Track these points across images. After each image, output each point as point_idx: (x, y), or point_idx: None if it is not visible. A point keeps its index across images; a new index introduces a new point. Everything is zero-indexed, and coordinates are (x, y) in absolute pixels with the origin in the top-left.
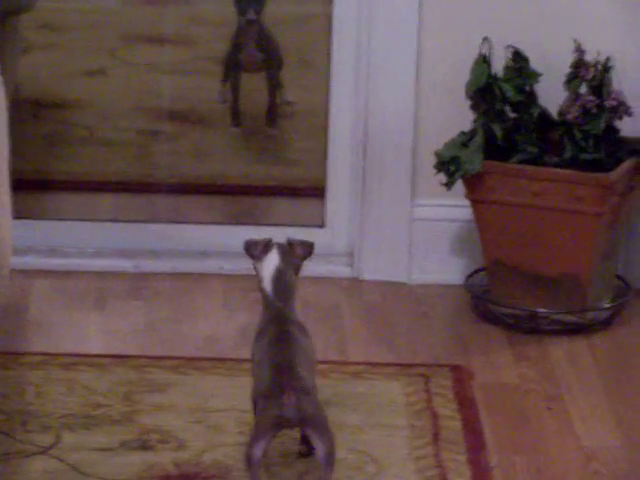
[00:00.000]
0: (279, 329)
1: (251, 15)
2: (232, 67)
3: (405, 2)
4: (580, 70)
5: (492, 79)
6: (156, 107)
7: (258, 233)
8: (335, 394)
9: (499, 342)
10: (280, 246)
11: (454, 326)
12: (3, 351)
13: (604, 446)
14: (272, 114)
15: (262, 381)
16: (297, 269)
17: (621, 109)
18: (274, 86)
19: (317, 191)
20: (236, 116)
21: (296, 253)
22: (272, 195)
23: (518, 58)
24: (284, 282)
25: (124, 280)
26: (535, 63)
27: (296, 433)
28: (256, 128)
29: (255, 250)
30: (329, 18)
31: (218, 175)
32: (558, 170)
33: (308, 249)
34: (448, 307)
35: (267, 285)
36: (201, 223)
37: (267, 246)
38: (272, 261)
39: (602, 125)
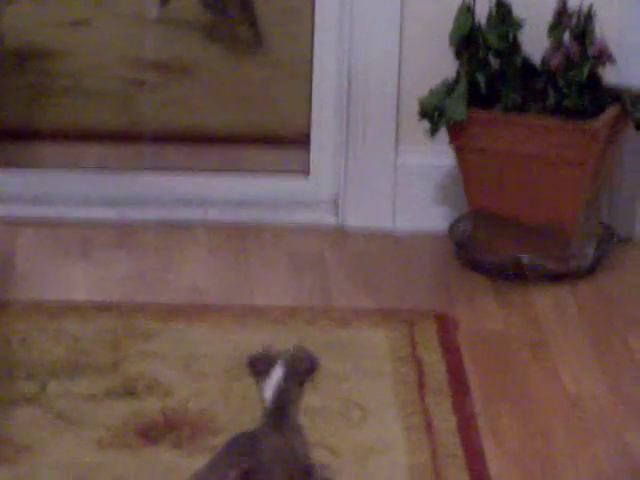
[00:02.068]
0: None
1: None
2: None
3: None
4: (563, 18)
5: (475, 28)
6: (141, 57)
7: (243, 182)
8: (320, 341)
9: (484, 289)
10: (284, 361)
11: (439, 273)
12: None
13: (588, 392)
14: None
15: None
16: (301, 383)
17: (604, 57)
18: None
19: (301, 139)
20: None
21: (301, 368)
22: (257, 144)
23: (501, 7)
24: (287, 398)
25: (109, 229)
26: (518, 11)
27: None
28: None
29: (259, 367)
30: None
31: (203, 124)
32: (541, 117)
33: (313, 365)
34: (433, 254)
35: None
36: (186, 172)
37: (271, 361)
38: (275, 377)
39: (585, 73)
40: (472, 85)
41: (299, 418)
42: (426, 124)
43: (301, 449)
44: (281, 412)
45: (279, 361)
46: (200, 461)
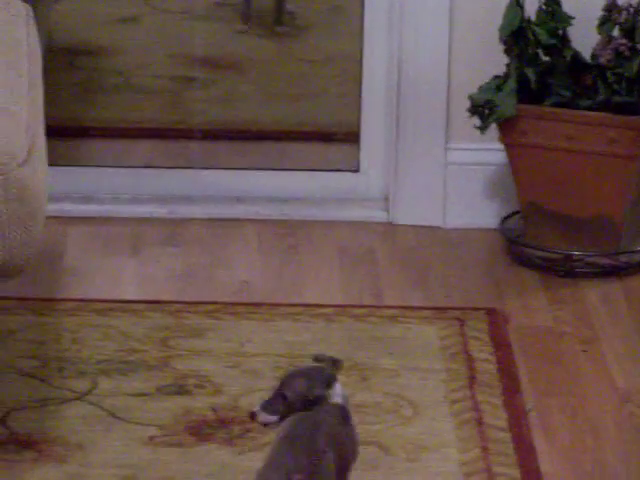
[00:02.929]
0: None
1: None
2: None
3: None
4: (613, 13)
5: (525, 23)
6: (189, 54)
7: (293, 179)
8: (371, 338)
9: (534, 285)
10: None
11: (489, 270)
12: (39, 298)
13: (639, 387)
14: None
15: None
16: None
17: None
18: None
19: (352, 136)
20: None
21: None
22: (307, 140)
23: (551, 1)
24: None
25: (159, 226)
26: (568, 6)
27: None
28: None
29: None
30: None
31: (252, 121)
32: (591, 113)
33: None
34: (483, 251)
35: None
36: (235, 169)
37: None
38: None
39: (635, 68)
40: (522, 81)
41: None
42: (476, 120)
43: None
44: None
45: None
46: (251, 459)
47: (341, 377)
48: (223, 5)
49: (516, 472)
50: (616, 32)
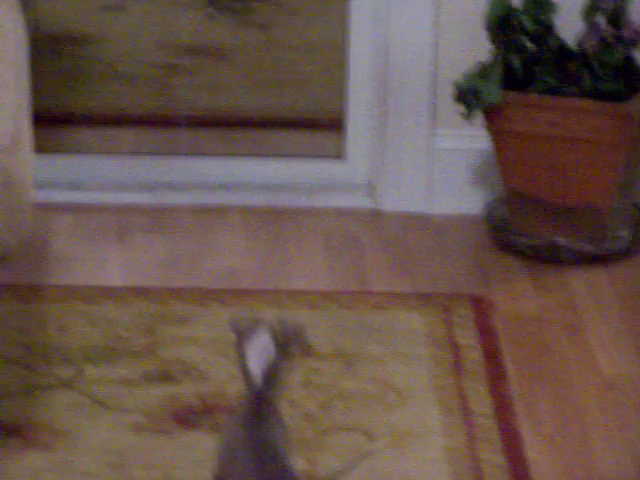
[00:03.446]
0: (254, 416)
1: None
2: None
3: None
4: (598, 1)
5: (510, 11)
6: (175, 41)
7: (278, 166)
8: (356, 325)
9: (519, 272)
10: (270, 327)
11: (474, 256)
12: (25, 285)
13: (625, 374)
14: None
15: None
16: (287, 355)
17: (639, 39)
18: None
19: (336, 123)
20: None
21: (287, 337)
22: (292, 127)
23: None
24: (272, 367)
25: (145, 213)
26: None
27: None
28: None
29: (242, 328)
30: None
31: (238, 108)
32: (576, 100)
33: (298, 332)
34: (468, 238)
35: (253, 368)
36: (221, 156)
37: (255, 326)
38: (261, 343)
39: (620, 55)
40: (507, 68)
41: (282, 402)
42: (461, 107)
43: (282, 447)
44: (268, 398)
45: (263, 324)
46: None
47: (327, 363)
48: None
49: (501, 459)
50: (601, 20)
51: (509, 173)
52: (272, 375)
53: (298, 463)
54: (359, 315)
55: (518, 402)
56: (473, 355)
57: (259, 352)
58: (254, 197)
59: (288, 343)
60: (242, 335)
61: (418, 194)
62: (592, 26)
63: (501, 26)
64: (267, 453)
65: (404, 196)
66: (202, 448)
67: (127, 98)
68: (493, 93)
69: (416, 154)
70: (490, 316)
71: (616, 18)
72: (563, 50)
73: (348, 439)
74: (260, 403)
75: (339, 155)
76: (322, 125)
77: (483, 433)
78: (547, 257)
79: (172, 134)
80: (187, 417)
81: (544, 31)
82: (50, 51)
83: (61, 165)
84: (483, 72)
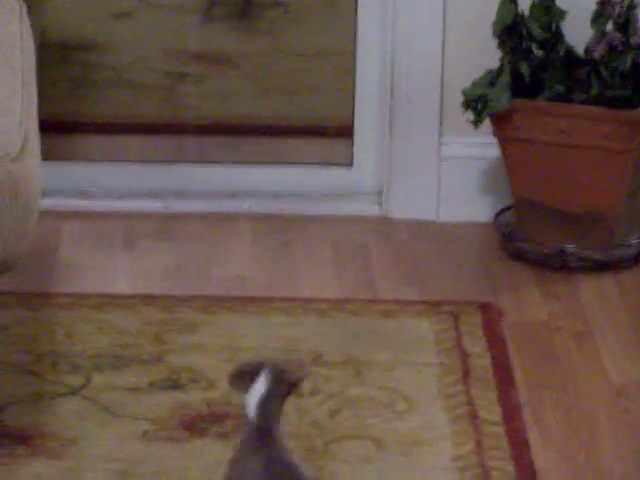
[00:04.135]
0: (262, 441)
1: None
2: None
3: None
4: (606, 7)
5: (518, 17)
6: (183, 49)
7: (287, 173)
8: (365, 332)
9: (528, 280)
10: (269, 373)
11: (483, 264)
12: (33, 292)
13: (633, 382)
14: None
15: None
16: (286, 395)
17: None
18: None
19: (345, 130)
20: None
21: (285, 381)
22: (300, 135)
23: None
24: (269, 410)
25: (152, 221)
26: (561, 1)
27: None
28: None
29: (242, 382)
30: None
31: (246, 115)
32: (585, 107)
33: (300, 377)
34: (477, 245)
35: (251, 412)
36: (229, 163)
37: (254, 375)
38: (259, 390)
39: (628, 62)
40: (515, 75)
41: (281, 429)
42: (470, 115)
43: (296, 462)
44: (269, 429)
45: (263, 373)
46: None
47: (336, 371)
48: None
49: (510, 466)
50: (609, 27)
51: (517, 180)
52: (269, 413)
53: (307, 471)
54: (368, 323)
55: (527, 409)
56: (482, 362)
57: (256, 395)
58: (262, 204)
59: (286, 389)
60: (243, 389)
61: (427, 201)
62: (600, 33)
63: (509, 33)
64: (281, 469)
65: (413, 203)
66: (210, 455)
67: (135, 106)
68: (501, 100)
69: (424, 161)
70: (499, 323)
71: (625, 25)
72: (571, 57)
73: (357, 447)
74: (260, 431)
75: (348, 162)
76: (331, 132)
77: (492, 441)
78: (556, 264)
79: (180, 141)
80: (195, 425)
81: (552, 38)
82: (58, 59)
83: (69, 172)
84: (491, 79)
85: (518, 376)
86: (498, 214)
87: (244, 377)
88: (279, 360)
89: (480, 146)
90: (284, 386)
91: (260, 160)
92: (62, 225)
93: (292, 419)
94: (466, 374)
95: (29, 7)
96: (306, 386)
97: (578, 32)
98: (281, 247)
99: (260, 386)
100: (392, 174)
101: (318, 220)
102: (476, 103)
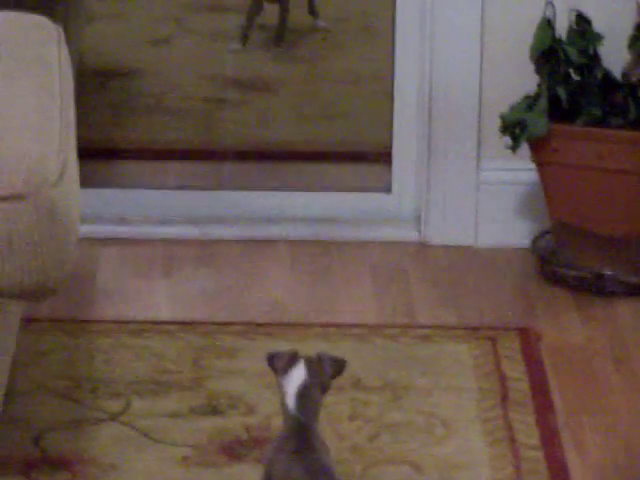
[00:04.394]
0: (302, 443)
1: None
2: None
3: None
4: None
5: (556, 42)
6: (221, 75)
7: (325, 199)
8: (403, 357)
9: (566, 304)
10: (308, 360)
11: (521, 289)
12: (72, 318)
13: None
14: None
15: None
16: (325, 388)
17: None
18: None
19: (383, 156)
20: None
21: (325, 370)
22: (339, 161)
23: (581, 21)
24: (309, 399)
25: (191, 247)
26: (598, 25)
27: None
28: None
29: (279, 363)
30: None
31: (284, 141)
32: (623, 132)
33: (339, 367)
34: (515, 270)
35: (290, 402)
36: (267, 189)
37: (292, 359)
38: (298, 376)
39: None
40: (553, 100)
41: (320, 427)
42: (508, 139)
43: (332, 467)
44: (309, 422)
45: (302, 360)
46: None
47: (375, 396)
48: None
49: None
50: None
51: (555, 204)
52: (308, 403)
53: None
54: (406, 347)
55: (565, 433)
56: (520, 386)
57: (295, 382)
58: (301, 230)
59: (325, 374)
60: (278, 372)
61: (464, 226)
62: (637, 57)
63: (546, 57)
64: (320, 474)
65: (451, 229)
66: None
67: (173, 132)
68: (539, 125)
69: (462, 186)
70: (537, 348)
71: None
72: (609, 81)
73: (396, 472)
74: (300, 430)
75: (386, 188)
76: (369, 158)
77: (530, 465)
78: (594, 288)
79: (218, 167)
80: (234, 449)
81: (590, 62)
82: (96, 85)
83: (107, 199)
84: (529, 104)
85: (557, 400)
86: (536, 238)
87: (282, 359)
88: (315, 354)
89: (518, 171)
90: (324, 377)
91: (298, 186)
92: (101, 251)
93: (331, 443)
94: (504, 398)
95: (66, 33)
96: (345, 411)
97: (615, 56)
98: (320, 272)
99: (300, 372)
100: (430, 199)
101: (356, 245)
102: (514, 128)
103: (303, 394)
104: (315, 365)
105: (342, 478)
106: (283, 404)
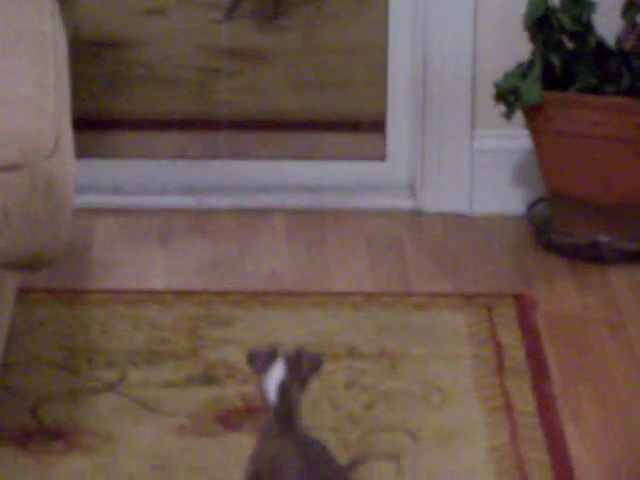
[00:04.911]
0: (287, 427)
1: None
2: None
3: None
4: None
5: (549, 10)
6: (215, 45)
7: (320, 167)
8: (399, 326)
9: (561, 271)
10: (286, 357)
11: (516, 256)
12: (68, 289)
13: None
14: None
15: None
16: (304, 383)
17: None
18: None
19: (377, 125)
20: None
21: (304, 365)
22: (333, 130)
23: None
24: (289, 396)
25: (187, 217)
26: None
27: None
28: None
29: (259, 361)
30: None
31: (279, 111)
32: (616, 98)
33: (316, 364)
34: (510, 237)
35: (271, 398)
36: (262, 159)
37: (271, 357)
38: (277, 373)
39: None
40: (547, 67)
41: (302, 418)
42: (502, 107)
43: (329, 450)
44: (291, 415)
45: (280, 358)
46: None
47: (371, 365)
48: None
49: (545, 458)
50: None
51: (550, 172)
52: (289, 399)
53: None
54: (402, 316)
55: (561, 400)
56: (516, 354)
57: (275, 379)
58: (296, 199)
59: (304, 375)
60: (258, 370)
61: (459, 194)
62: (631, 24)
63: (540, 25)
64: (316, 457)
65: (445, 197)
66: (246, 450)
67: (168, 102)
68: (533, 92)
69: (457, 154)
70: (533, 315)
71: None
72: (602, 48)
73: (392, 440)
74: (283, 418)
75: (381, 157)
76: (363, 127)
77: (527, 432)
78: (589, 256)
79: (213, 137)
80: (231, 419)
81: (583, 30)
82: (90, 56)
83: (102, 169)
84: (523, 72)
85: (552, 367)
86: (531, 206)
87: (261, 357)
88: (293, 349)
89: (512, 138)
90: (302, 371)
91: (293, 155)
92: (96, 222)
93: (327, 412)
94: (500, 366)
95: (61, 4)
96: (340, 380)
97: (609, 24)
98: (315, 241)
99: (278, 370)
100: (425, 168)
101: (351, 214)
102: (508, 96)
103: (283, 391)
104: (294, 361)
105: (333, 450)
106: (264, 401)
